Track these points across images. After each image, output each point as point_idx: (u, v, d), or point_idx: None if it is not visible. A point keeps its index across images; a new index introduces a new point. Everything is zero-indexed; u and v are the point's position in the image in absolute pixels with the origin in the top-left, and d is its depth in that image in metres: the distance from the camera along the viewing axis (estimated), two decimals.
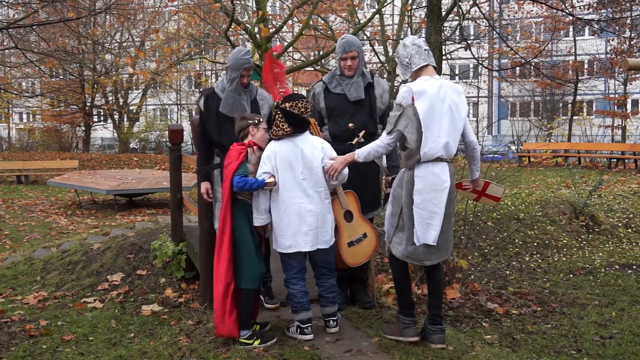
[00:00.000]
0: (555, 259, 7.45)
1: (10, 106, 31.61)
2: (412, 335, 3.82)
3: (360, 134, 4.29)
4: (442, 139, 3.70)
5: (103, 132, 34.26)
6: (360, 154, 3.86)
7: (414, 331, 3.84)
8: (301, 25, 13.80)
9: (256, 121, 4.01)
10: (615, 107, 24.93)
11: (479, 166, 4.15)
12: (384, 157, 4.63)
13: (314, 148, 3.92)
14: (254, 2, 13.18)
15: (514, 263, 7.22)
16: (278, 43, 15.74)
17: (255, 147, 3.95)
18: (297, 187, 3.86)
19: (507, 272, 6.82)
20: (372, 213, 4.62)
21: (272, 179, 3.84)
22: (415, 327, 3.86)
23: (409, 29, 18.08)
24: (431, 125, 3.66)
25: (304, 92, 23.55)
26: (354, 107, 4.45)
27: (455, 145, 3.80)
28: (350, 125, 4.32)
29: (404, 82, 3.97)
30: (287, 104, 3.86)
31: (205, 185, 4.49)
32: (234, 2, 10.76)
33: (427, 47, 3.94)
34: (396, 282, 3.97)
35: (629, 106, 27.78)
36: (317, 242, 3.90)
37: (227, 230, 3.83)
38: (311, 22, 14.74)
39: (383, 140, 3.80)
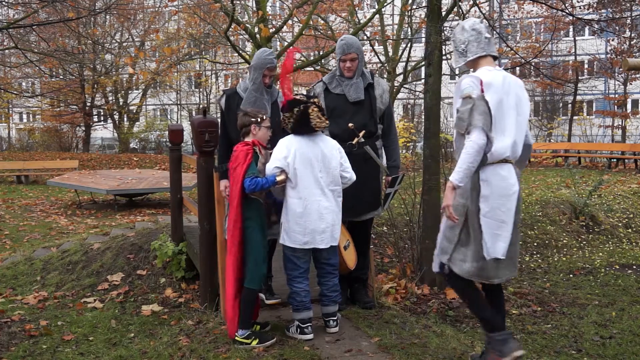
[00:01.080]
0: (555, 259, 7.45)
1: (10, 106, 31.60)
2: (516, 348, 3.33)
3: (360, 134, 4.29)
4: (508, 138, 3.30)
5: (103, 132, 34.24)
6: (458, 178, 3.19)
7: (515, 343, 3.36)
8: (301, 25, 13.79)
9: (259, 119, 3.92)
10: (615, 107, 24.91)
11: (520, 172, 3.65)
12: (384, 156, 4.63)
13: (333, 148, 3.98)
14: (254, 2, 13.17)
15: None
16: (278, 43, 15.75)
17: (260, 147, 3.90)
18: (316, 185, 3.87)
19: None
20: (373, 213, 4.62)
21: (282, 176, 3.82)
22: (513, 337, 3.40)
23: (409, 29, 18.07)
24: (498, 122, 3.26)
25: (303, 92, 23.55)
26: (354, 107, 4.45)
27: (521, 144, 3.39)
28: (350, 125, 4.32)
29: (454, 72, 3.84)
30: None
31: (224, 183, 4.51)
32: (234, 2, 10.76)
33: (489, 35, 3.48)
34: (467, 301, 3.54)
35: (629, 106, 27.76)
36: (331, 239, 3.94)
37: (237, 234, 3.81)
38: (311, 22, 14.73)
39: (474, 142, 3.13)
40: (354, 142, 4.29)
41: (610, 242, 8.20)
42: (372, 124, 4.48)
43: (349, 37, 4.58)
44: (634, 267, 7.18)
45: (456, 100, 3.32)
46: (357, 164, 4.33)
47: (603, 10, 19.92)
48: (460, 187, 3.23)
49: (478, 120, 3.15)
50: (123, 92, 29.39)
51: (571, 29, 24.27)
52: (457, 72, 26.76)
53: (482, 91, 3.22)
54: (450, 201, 3.25)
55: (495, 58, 3.48)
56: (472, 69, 3.45)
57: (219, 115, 4.62)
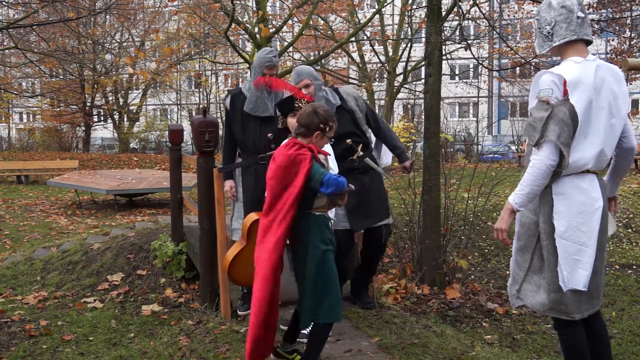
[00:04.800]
0: None
1: (10, 106, 31.61)
2: None
3: (359, 148, 4.29)
4: (594, 147, 2.71)
5: (103, 132, 34.27)
6: (518, 201, 2.73)
7: None
8: (301, 25, 13.79)
9: (327, 128, 3.20)
10: None
11: (620, 181, 3.05)
12: (387, 156, 4.62)
13: None
14: (254, 2, 13.18)
15: None
16: (278, 43, 15.74)
17: (318, 156, 3.20)
18: None
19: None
20: (384, 221, 4.56)
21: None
22: None
23: (409, 29, 18.08)
24: (582, 127, 2.68)
25: None
26: (341, 129, 4.38)
27: (611, 152, 2.81)
28: (348, 141, 4.32)
29: (454, 72, 3.35)
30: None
31: (229, 184, 4.54)
32: (234, 2, 10.76)
33: (582, 14, 2.79)
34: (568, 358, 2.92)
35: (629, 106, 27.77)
36: None
37: (276, 258, 3.10)
38: (311, 22, 14.74)
39: (540, 162, 2.66)
40: (354, 157, 4.29)
41: (610, 242, 8.20)
42: (362, 135, 4.49)
43: (299, 67, 4.55)
44: (634, 267, 7.18)
45: (532, 99, 2.81)
46: (360, 176, 4.35)
47: (603, 10, 19.92)
48: (520, 212, 2.79)
49: (552, 132, 2.61)
50: (123, 92, 29.41)
51: None
52: (456, 72, 26.78)
53: (566, 93, 2.65)
54: (504, 224, 2.76)
55: (588, 43, 2.84)
56: (559, 55, 2.85)
57: (219, 115, 4.64)
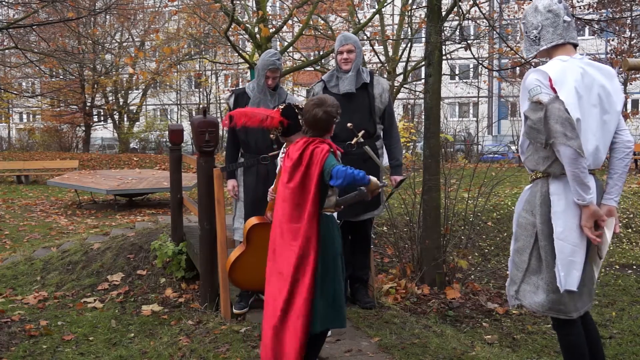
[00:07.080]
0: None
1: (10, 106, 31.61)
2: None
3: (360, 134, 4.28)
4: (589, 144, 2.68)
5: (103, 132, 34.27)
6: (580, 198, 2.66)
7: None
8: (301, 25, 13.79)
9: (338, 117, 3.19)
10: None
11: (622, 184, 2.87)
12: (385, 156, 4.62)
13: None
14: (254, 2, 13.18)
15: None
16: (278, 43, 15.73)
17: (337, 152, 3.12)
18: None
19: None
20: (372, 213, 4.62)
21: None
22: None
23: (409, 29, 18.08)
24: (576, 124, 2.64)
25: (304, 92, 23.49)
26: (353, 106, 4.44)
27: (606, 150, 2.79)
28: (349, 125, 4.31)
29: (454, 72, 3.29)
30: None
31: (232, 183, 4.57)
32: (234, 2, 10.75)
33: (569, 18, 2.80)
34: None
35: (629, 106, 27.76)
36: None
37: (311, 261, 2.97)
38: (311, 22, 14.73)
39: (568, 158, 2.59)
40: (352, 142, 4.28)
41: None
42: (370, 124, 4.48)
43: (347, 32, 4.63)
44: (634, 267, 7.18)
45: (523, 101, 2.80)
46: (355, 164, 4.31)
47: (603, 10, 19.91)
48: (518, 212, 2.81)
49: (558, 133, 2.57)
50: (123, 92, 29.42)
51: None
52: (456, 72, 26.78)
53: (553, 89, 2.64)
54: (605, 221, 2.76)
55: (575, 46, 2.83)
56: (547, 58, 2.85)
57: (219, 115, 4.65)
